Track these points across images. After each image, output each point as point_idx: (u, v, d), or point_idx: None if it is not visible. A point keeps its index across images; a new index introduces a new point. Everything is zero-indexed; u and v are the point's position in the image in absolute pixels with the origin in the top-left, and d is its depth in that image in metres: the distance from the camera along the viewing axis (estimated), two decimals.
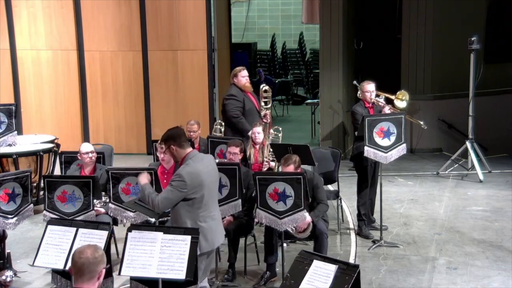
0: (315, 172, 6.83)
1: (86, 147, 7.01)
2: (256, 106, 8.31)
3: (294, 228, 6.09)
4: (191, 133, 8.09)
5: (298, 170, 6.31)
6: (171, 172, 6.74)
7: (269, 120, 8.38)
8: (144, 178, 5.23)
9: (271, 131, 8.44)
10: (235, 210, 6.11)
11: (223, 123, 8.99)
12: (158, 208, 5.03)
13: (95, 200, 6.32)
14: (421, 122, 8.54)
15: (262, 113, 8.34)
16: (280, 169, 7.51)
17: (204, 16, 11.37)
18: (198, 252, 4.98)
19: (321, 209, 6.40)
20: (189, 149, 5.12)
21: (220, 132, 8.89)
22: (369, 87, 7.63)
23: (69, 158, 7.45)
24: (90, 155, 6.93)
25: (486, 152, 10.44)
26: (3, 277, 6.03)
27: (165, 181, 6.65)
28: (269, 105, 8.53)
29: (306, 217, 5.95)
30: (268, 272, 6.34)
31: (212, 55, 11.64)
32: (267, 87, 8.66)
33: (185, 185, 4.92)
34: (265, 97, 8.50)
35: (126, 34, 11.58)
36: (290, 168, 6.26)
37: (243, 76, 8.31)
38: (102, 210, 6.59)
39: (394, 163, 7.98)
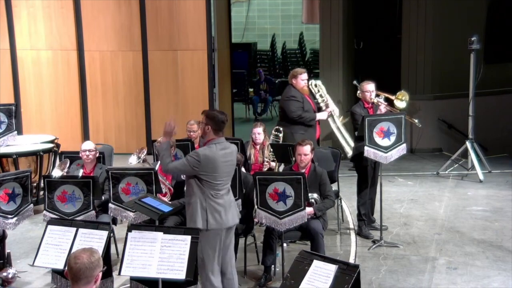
0: (322, 168, 6.84)
1: (85, 145, 7.02)
2: (313, 108, 8.23)
3: None
4: (191, 133, 8.10)
5: (311, 152, 6.53)
6: None
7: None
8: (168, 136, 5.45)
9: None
10: None
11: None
12: (167, 168, 5.32)
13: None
14: (416, 121, 8.54)
15: (323, 104, 8.31)
16: (280, 168, 7.55)
17: (204, 16, 11.36)
18: (206, 227, 5.18)
19: (326, 205, 6.47)
20: (219, 137, 5.28)
21: None
22: (369, 87, 7.63)
23: (69, 158, 7.44)
24: (88, 153, 6.92)
25: (486, 152, 10.44)
26: (5, 274, 6.08)
27: (165, 177, 6.66)
28: (324, 98, 8.39)
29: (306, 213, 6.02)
30: (266, 274, 6.33)
31: (212, 55, 11.64)
32: (318, 82, 8.59)
33: (198, 164, 5.14)
34: (318, 91, 8.44)
35: (126, 34, 11.58)
36: (307, 149, 6.47)
37: (302, 79, 8.20)
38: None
39: (394, 163, 7.98)
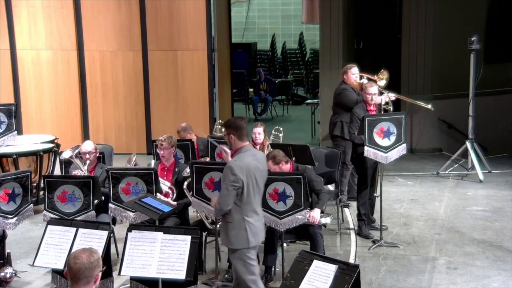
0: (306, 166, 6.85)
1: (85, 147, 6.98)
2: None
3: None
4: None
5: (282, 165, 6.37)
6: (171, 169, 6.76)
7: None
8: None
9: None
10: None
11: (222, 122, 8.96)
12: (221, 209, 5.06)
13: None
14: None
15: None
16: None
17: (204, 16, 11.37)
18: (248, 246, 5.06)
19: (323, 199, 6.46)
20: (246, 143, 5.18)
21: (220, 132, 8.88)
22: (372, 90, 7.58)
23: (69, 158, 7.45)
24: (88, 155, 6.90)
25: (486, 152, 10.43)
26: (3, 274, 6.09)
27: (164, 177, 6.66)
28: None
29: (310, 214, 6.07)
30: (267, 274, 6.33)
31: (212, 55, 11.64)
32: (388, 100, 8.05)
33: (237, 178, 4.97)
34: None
35: (126, 34, 11.59)
36: (270, 163, 6.30)
37: (353, 74, 8.37)
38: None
39: (394, 163, 7.97)
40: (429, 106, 9.40)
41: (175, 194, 6.56)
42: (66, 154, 6.90)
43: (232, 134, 5.13)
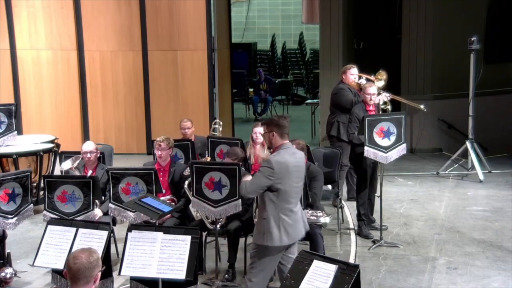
0: (319, 169, 6.85)
1: (86, 147, 7.00)
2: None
3: None
4: (186, 130, 8.09)
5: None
6: (167, 169, 6.76)
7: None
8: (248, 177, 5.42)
9: None
10: (235, 210, 6.08)
11: (221, 122, 8.96)
12: (246, 191, 5.17)
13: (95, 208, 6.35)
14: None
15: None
16: None
17: (204, 16, 11.37)
18: (278, 244, 5.08)
19: (317, 187, 6.49)
20: (286, 141, 5.21)
21: (219, 131, 8.88)
22: (371, 90, 7.59)
23: (69, 158, 7.44)
24: (89, 155, 6.91)
25: (486, 152, 10.43)
26: (3, 274, 6.08)
27: (160, 178, 6.65)
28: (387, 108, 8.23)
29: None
30: None
31: (212, 55, 11.64)
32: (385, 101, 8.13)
33: (273, 172, 5.02)
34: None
35: (126, 34, 11.58)
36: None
37: (351, 74, 8.42)
38: (99, 213, 6.55)
39: (394, 163, 7.97)
40: (422, 107, 9.34)
41: (175, 203, 6.57)
42: (66, 166, 6.87)
43: (274, 131, 5.17)
